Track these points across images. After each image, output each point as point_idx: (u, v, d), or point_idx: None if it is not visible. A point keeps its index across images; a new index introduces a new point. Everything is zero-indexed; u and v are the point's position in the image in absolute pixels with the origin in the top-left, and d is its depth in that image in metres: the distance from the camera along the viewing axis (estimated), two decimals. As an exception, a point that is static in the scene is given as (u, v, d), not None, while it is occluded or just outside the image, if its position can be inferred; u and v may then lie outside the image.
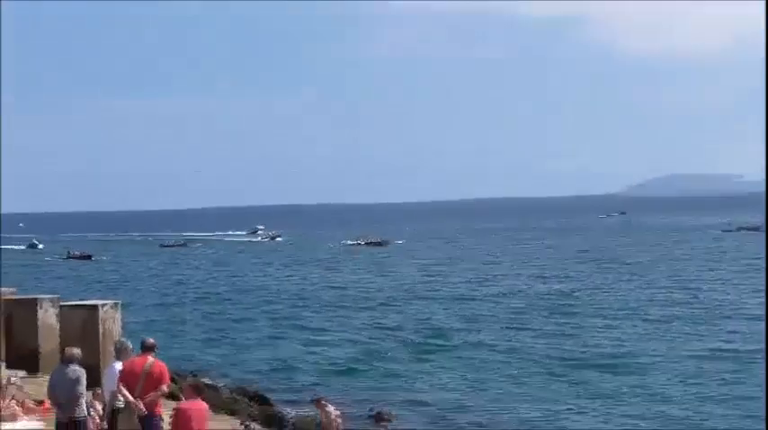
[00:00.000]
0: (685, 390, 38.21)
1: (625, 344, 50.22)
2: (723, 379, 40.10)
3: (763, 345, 40.71)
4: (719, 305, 64.55)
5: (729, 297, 68.82)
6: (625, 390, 38.76)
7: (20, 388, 22.46)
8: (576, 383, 40.75)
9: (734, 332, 52.94)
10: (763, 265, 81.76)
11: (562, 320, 60.20)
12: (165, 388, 18.35)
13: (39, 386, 23.10)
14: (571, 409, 35.89)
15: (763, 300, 56.98)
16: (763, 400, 30.36)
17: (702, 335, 52.13)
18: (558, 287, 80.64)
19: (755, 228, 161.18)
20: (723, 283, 79.03)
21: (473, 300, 73.80)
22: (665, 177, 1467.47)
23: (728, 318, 58.85)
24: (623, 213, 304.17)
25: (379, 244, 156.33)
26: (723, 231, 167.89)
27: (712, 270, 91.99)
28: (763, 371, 36.97)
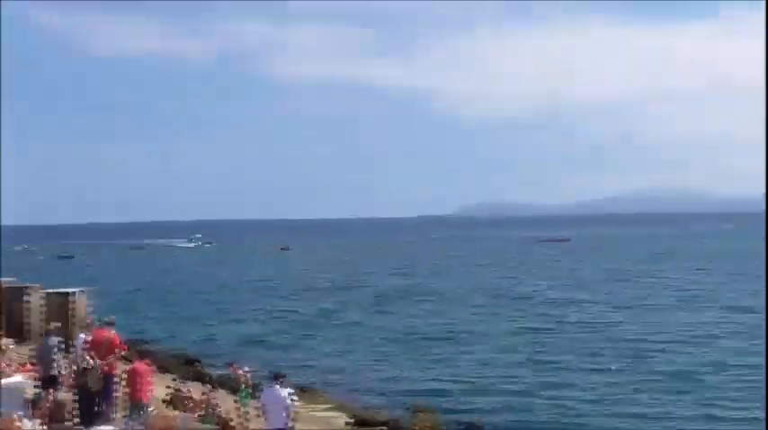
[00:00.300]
0: (498, 356, 38.67)
1: (455, 323, 50.66)
2: (524, 349, 40.80)
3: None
4: (529, 294, 65.49)
5: (531, 288, 69.61)
6: (455, 356, 39.13)
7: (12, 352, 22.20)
8: (419, 351, 41.12)
9: (539, 314, 53.84)
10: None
11: (407, 305, 60.66)
12: (120, 353, 18.36)
13: (24, 351, 22.86)
14: (417, 371, 36.13)
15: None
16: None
17: (514, 317, 52.84)
18: (406, 281, 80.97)
19: (563, 240, 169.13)
20: (530, 276, 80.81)
21: (349, 289, 74.02)
22: (486, 204, 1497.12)
23: (530, 302, 59.99)
24: (451, 231, 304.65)
25: (288, 248, 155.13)
26: (539, 242, 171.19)
27: (524, 266, 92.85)
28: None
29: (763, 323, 43.12)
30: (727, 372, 33.73)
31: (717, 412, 27.43)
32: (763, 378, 30.83)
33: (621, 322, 48.81)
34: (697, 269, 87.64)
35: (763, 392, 27.79)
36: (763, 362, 33.00)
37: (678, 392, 30.34)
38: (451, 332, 46.69)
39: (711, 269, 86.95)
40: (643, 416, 27.05)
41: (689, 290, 66.82)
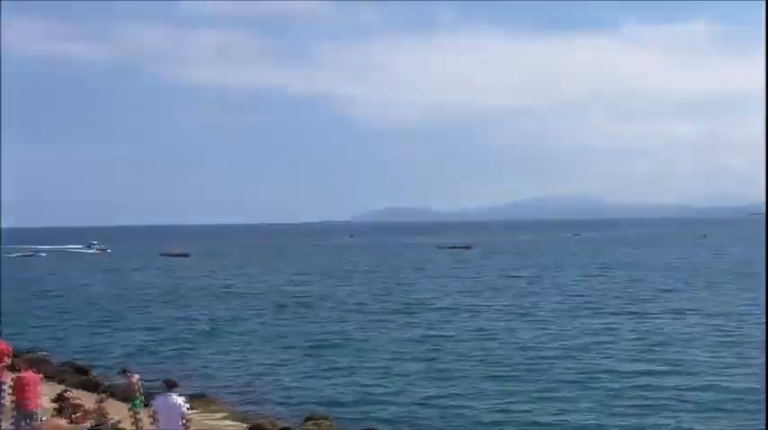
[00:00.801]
0: (396, 365, 38.96)
1: (353, 330, 50.99)
2: (422, 357, 41.18)
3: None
4: (428, 301, 65.83)
5: (430, 295, 69.97)
6: (352, 365, 39.39)
7: None
8: (316, 359, 41.18)
9: (438, 321, 54.20)
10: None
11: (305, 312, 60.72)
12: (7, 360, 18.11)
13: None
14: (313, 379, 36.31)
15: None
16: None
17: (413, 324, 53.14)
18: (304, 288, 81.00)
19: (465, 247, 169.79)
20: (430, 283, 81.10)
21: (247, 296, 73.63)
22: (385, 209, 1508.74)
23: (428, 310, 60.33)
24: (352, 236, 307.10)
25: (185, 255, 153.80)
26: (439, 248, 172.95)
27: (426, 274, 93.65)
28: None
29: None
30: (624, 379, 34.37)
31: (616, 420, 28.00)
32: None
33: (519, 329, 49.65)
34: (595, 275, 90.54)
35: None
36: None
37: (576, 399, 30.93)
38: (349, 340, 46.91)
39: (611, 275, 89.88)
40: (542, 425, 27.68)
41: (583, 296, 68.50)
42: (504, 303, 64.41)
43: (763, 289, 55.64)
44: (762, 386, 30.58)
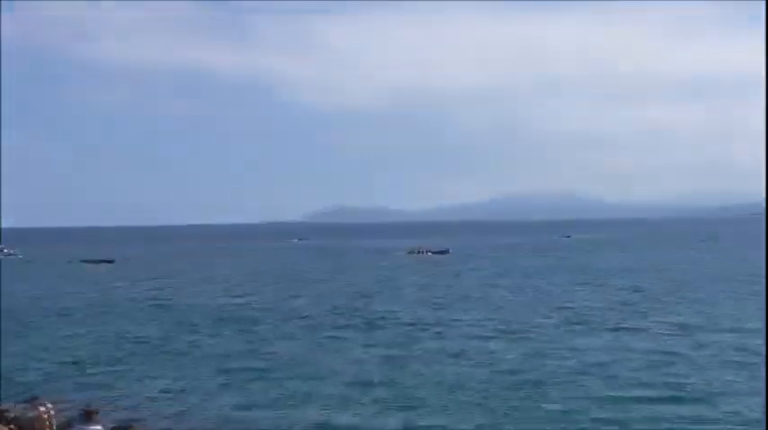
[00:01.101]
0: (349, 390, 38.56)
1: (299, 348, 50.68)
2: (380, 382, 40.81)
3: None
4: (390, 315, 65.54)
5: (393, 308, 69.58)
6: (299, 389, 38.96)
7: None
8: (255, 382, 40.75)
9: (401, 339, 53.86)
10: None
11: (243, 328, 60.45)
12: None
13: None
14: (251, 404, 36.05)
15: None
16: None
17: (372, 343, 52.74)
18: (242, 300, 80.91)
19: (441, 252, 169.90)
20: (394, 294, 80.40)
21: (178, 309, 73.05)
22: (338, 208, 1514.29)
23: (390, 325, 59.93)
24: (301, 239, 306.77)
25: (109, 261, 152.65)
26: (408, 253, 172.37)
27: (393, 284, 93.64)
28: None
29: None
30: (625, 408, 34.26)
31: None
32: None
33: (499, 349, 49.41)
34: (587, 284, 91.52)
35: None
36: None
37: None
38: (299, 361, 46.33)
39: (606, 284, 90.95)
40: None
41: (574, 308, 68.91)
42: (481, 317, 64.16)
43: (764, 293, 58.25)
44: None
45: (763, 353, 38.50)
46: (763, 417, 27.35)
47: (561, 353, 47.18)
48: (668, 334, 53.89)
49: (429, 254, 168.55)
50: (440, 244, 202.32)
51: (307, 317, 66.77)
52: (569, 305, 71.54)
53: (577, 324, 59.63)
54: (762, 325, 53.08)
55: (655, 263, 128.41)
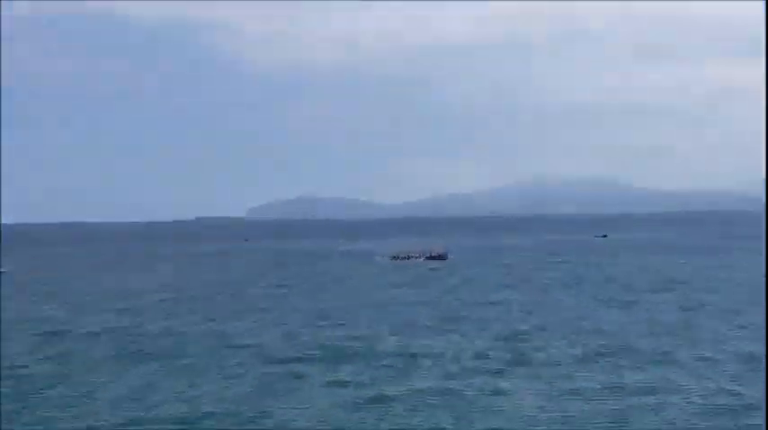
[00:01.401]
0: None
1: (245, 391, 50.60)
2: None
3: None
4: (366, 342, 65.37)
5: (371, 333, 69.61)
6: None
7: None
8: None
9: (383, 375, 54.14)
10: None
11: (169, 363, 60.06)
12: None
13: None
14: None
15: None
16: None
17: (341, 381, 52.90)
18: (165, 324, 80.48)
19: (438, 257, 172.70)
20: (376, 313, 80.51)
21: (73, 334, 72.71)
22: (297, 199, 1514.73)
23: (372, 358, 59.72)
24: (247, 240, 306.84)
25: None
26: (392, 259, 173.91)
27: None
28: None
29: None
30: None
31: None
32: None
33: (507, 390, 49.50)
34: (627, 301, 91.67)
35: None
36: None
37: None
38: (246, 409, 46.22)
39: (652, 301, 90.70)
40: None
41: (608, 333, 69.20)
42: (485, 347, 64.18)
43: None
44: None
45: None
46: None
47: (589, 394, 47.34)
48: (729, 369, 53.62)
49: (420, 259, 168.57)
50: (435, 246, 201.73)
51: (250, 347, 66.41)
52: (598, 330, 71.81)
53: (610, 354, 59.68)
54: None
55: (716, 274, 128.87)
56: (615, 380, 51.34)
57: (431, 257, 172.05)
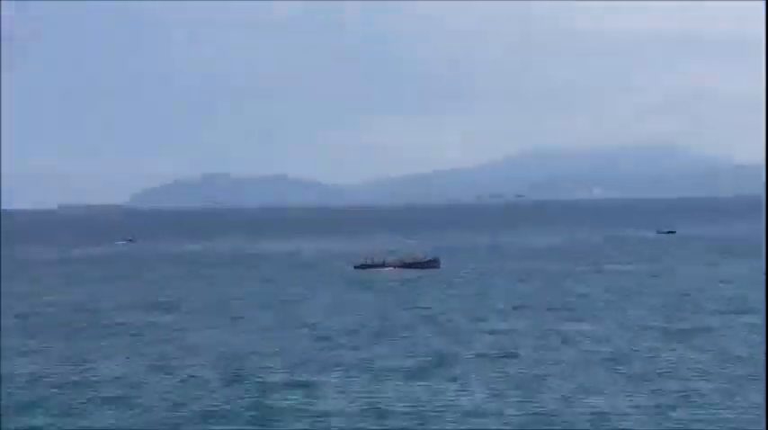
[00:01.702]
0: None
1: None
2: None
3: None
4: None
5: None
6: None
7: None
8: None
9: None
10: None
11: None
12: None
13: None
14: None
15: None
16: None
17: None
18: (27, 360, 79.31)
19: (428, 262, 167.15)
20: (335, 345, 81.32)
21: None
22: (200, 178, 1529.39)
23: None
24: (131, 240, 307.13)
25: None
26: (356, 268, 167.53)
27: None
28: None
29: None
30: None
31: None
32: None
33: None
34: (692, 330, 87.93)
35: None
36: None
37: None
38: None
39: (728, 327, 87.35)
40: None
41: (663, 372, 68.03)
42: (491, 415, 59.86)
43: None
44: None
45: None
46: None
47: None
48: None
49: (394, 269, 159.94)
50: (419, 246, 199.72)
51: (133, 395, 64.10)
52: (660, 368, 69.15)
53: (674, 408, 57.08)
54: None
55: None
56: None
57: (413, 265, 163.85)
